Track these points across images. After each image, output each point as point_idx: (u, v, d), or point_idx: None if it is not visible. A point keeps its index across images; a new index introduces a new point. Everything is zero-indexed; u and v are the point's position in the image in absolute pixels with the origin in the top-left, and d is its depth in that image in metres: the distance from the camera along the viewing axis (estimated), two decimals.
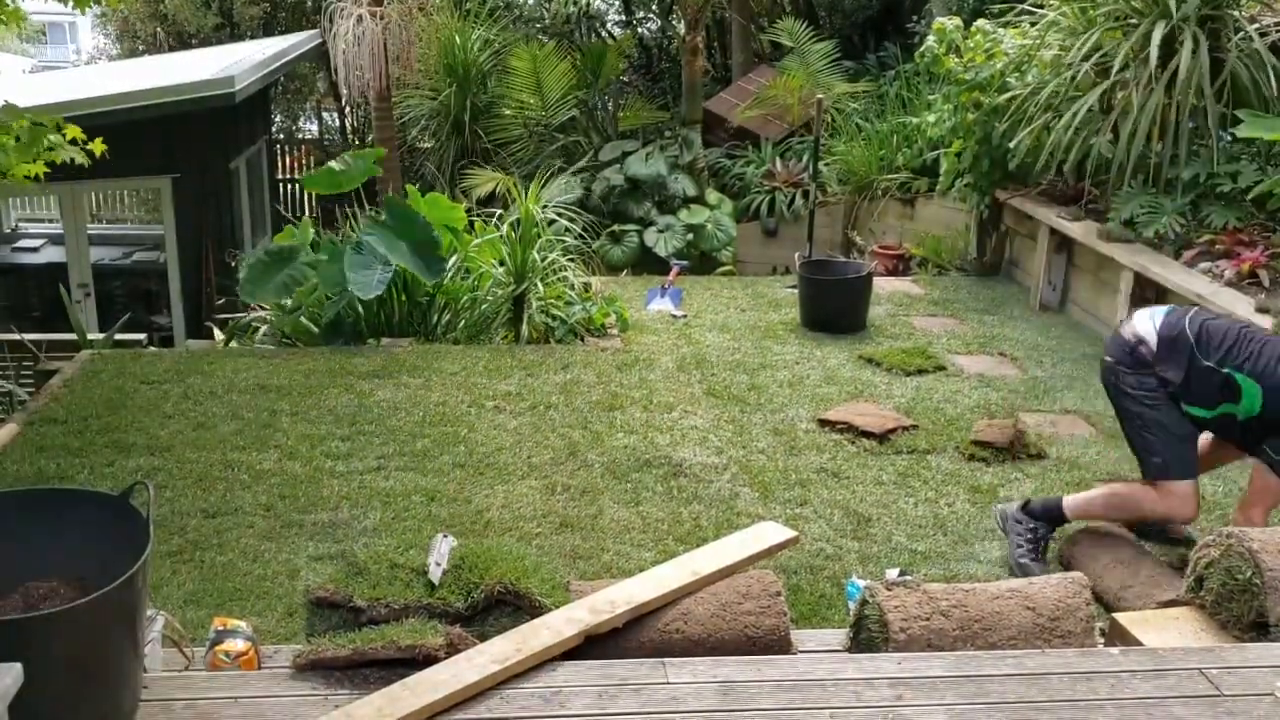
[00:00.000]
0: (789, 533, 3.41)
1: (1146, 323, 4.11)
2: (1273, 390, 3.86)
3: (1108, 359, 4.21)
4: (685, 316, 7.56)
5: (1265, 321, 5.22)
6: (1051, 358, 6.64)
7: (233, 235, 11.79)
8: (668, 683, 2.59)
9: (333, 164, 7.49)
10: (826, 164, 10.94)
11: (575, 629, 2.75)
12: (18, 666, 2.13)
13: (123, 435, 5.30)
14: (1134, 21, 6.83)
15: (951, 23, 8.51)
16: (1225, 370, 3.94)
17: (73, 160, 5.27)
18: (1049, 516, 4.24)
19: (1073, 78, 7.02)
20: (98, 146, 5.35)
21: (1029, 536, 4.20)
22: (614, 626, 2.80)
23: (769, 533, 3.37)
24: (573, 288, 7.42)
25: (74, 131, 5.37)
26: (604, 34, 15.36)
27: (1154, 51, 6.43)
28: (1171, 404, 4.05)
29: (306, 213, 10.50)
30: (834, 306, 7.28)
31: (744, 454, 5.22)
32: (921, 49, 8.92)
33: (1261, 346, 3.96)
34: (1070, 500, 4.27)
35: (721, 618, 2.88)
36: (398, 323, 6.95)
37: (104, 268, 11.26)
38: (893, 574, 3.83)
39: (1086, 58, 6.88)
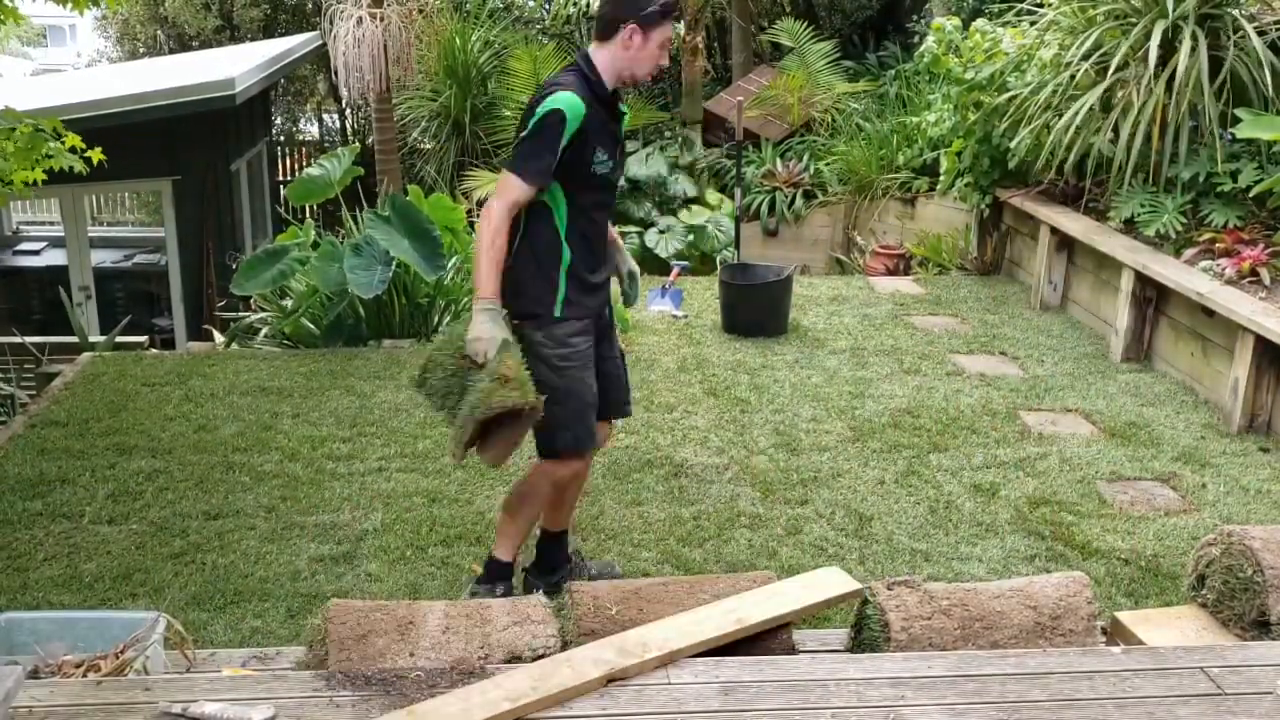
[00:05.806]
0: (852, 584, 3.02)
1: None
2: None
3: (514, 321, 3.49)
4: (686, 317, 7.56)
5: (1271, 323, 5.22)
6: (1052, 356, 6.64)
7: (233, 237, 11.79)
8: (669, 683, 2.58)
9: (310, 170, 7.42)
10: (827, 164, 10.95)
11: (600, 670, 2.57)
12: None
13: (124, 437, 5.30)
14: (1133, 20, 6.83)
15: (950, 23, 8.52)
16: None
17: (71, 168, 5.26)
18: (504, 573, 3.74)
19: (1072, 77, 7.02)
20: (96, 155, 5.34)
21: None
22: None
23: (830, 581, 3.02)
24: None
25: (73, 139, 5.37)
26: None
27: (1153, 50, 6.44)
28: (585, 364, 3.55)
29: (308, 214, 10.49)
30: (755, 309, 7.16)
31: (745, 454, 5.22)
32: (921, 49, 8.93)
33: None
34: (497, 547, 3.76)
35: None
36: (398, 324, 6.95)
37: (105, 270, 11.27)
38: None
39: (1086, 57, 6.88)
